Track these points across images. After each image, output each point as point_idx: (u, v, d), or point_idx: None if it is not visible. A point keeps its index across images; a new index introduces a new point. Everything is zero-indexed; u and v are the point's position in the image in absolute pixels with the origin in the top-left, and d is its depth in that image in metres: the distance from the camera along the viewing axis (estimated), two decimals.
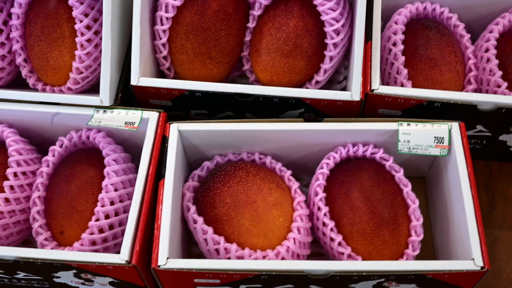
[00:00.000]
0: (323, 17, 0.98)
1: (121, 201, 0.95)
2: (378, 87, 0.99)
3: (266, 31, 1.00)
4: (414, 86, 1.05)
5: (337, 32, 0.99)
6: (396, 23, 1.09)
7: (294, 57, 0.99)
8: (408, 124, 0.96)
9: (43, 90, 1.06)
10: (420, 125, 0.96)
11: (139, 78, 0.99)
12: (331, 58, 1.00)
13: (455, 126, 0.96)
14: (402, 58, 1.05)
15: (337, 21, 0.98)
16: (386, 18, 1.13)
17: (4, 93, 1.00)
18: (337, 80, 1.10)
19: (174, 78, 1.08)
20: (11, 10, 1.03)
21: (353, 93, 0.96)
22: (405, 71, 1.04)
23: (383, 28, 1.11)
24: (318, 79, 1.02)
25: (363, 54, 1.01)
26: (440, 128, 0.96)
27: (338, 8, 0.99)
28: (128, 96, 1.03)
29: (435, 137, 0.95)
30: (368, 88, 0.99)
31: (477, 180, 1.10)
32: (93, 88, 1.07)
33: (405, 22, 1.10)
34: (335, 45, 0.99)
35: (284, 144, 1.00)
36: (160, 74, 1.09)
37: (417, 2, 1.11)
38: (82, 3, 1.00)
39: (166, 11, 1.01)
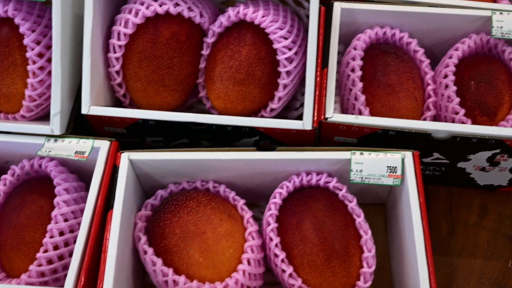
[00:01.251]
0: (275, 45, 0.97)
1: (71, 231, 0.94)
2: (332, 115, 0.98)
3: (219, 59, 0.99)
4: (371, 112, 1.04)
5: (290, 60, 0.98)
6: (354, 48, 1.08)
7: (247, 85, 0.98)
8: (361, 153, 0.95)
9: None
10: (373, 154, 0.95)
11: (89, 107, 0.98)
12: (284, 86, 0.99)
13: (408, 155, 0.95)
14: (359, 85, 1.04)
15: (290, 49, 0.98)
16: (348, 43, 1.12)
17: None
18: (294, 106, 1.09)
19: (130, 104, 1.07)
20: None
21: (305, 123, 0.95)
22: (362, 98, 1.03)
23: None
24: (273, 106, 1.01)
25: (320, 81, 1.00)
26: (393, 157, 0.95)
27: (291, 36, 0.98)
28: (84, 122, 1.02)
29: (388, 166, 0.94)
30: (323, 116, 0.98)
31: (437, 207, 1.10)
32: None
33: (364, 47, 1.09)
34: (288, 73, 0.98)
35: (238, 172, 0.99)
36: (117, 100, 1.08)
37: (376, 27, 1.10)
38: (33, 31, 0.99)
39: (118, 39, 1.00)
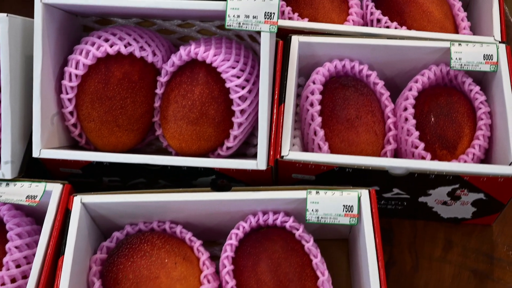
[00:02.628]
0: (228, 84, 0.95)
1: (24, 277, 0.92)
2: (288, 154, 0.97)
3: (172, 98, 0.98)
4: (331, 147, 1.02)
5: (243, 98, 0.97)
6: (313, 82, 1.07)
7: (201, 124, 0.97)
8: (317, 192, 0.94)
9: None
10: (329, 193, 0.93)
11: (40, 150, 0.96)
12: (239, 125, 0.98)
13: (364, 193, 0.93)
14: (318, 119, 1.03)
15: (243, 88, 0.96)
16: (309, 75, 1.11)
17: None
18: (253, 143, 1.07)
19: (86, 143, 1.05)
20: None
21: (259, 163, 0.94)
22: (321, 133, 1.02)
23: None
24: (228, 145, 1.00)
25: (277, 118, 0.99)
26: (350, 196, 0.93)
27: (244, 74, 0.97)
28: (39, 163, 1.00)
29: (344, 205, 0.93)
30: (279, 154, 0.96)
31: (402, 241, 1.08)
32: None
33: (323, 81, 1.08)
34: (242, 111, 0.97)
35: (195, 212, 0.98)
36: (74, 139, 1.06)
37: (336, 60, 1.09)
38: None
39: (70, 80, 0.98)
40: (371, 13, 1.20)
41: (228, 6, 0.92)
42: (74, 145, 1.07)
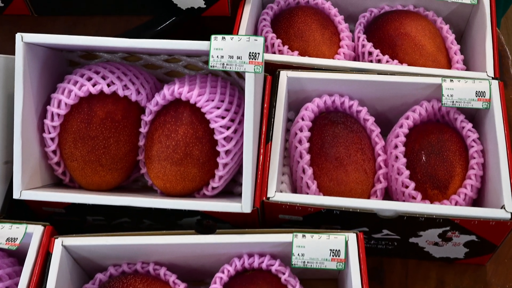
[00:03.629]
0: (212, 125, 0.93)
1: None
2: (274, 195, 0.95)
3: (156, 138, 0.96)
4: (319, 186, 1.00)
5: (228, 139, 0.95)
6: (302, 119, 1.05)
7: (185, 165, 0.95)
8: (303, 236, 0.91)
9: None
10: (315, 237, 0.91)
11: (21, 191, 0.94)
12: (225, 165, 0.96)
13: (352, 237, 0.91)
14: (307, 157, 1.01)
15: (228, 128, 0.94)
16: (298, 110, 1.09)
17: None
18: (239, 181, 1.05)
19: (70, 181, 1.03)
20: None
21: (243, 206, 0.91)
22: (310, 171, 1.00)
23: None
24: (214, 185, 0.98)
25: (263, 157, 0.97)
26: (337, 239, 0.91)
27: (229, 114, 0.95)
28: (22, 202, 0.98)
29: (331, 249, 0.90)
30: (265, 196, 0.94)
31: (393, 281, 1.06)
32: None
33: (312, 117, 1.06)
34: (227, 152, 0.95)
35: (179, 255, 0.95)
36: (57, 177, 1.04)
37: (325, 95, 1.07)
38: None
39: (52, 120, 0.97)
40: (363, 46, 1.18)
41: (211, 46, 0.90)
42: (58, 182, 1.05)
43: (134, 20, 1.20)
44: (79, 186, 1.03)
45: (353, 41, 1.20)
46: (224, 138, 0.94)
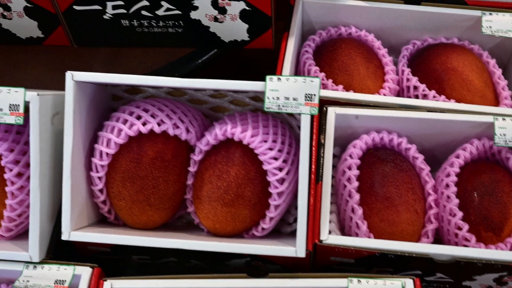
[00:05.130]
0: (265, 167, 0.91)
1: None
2: (327, 238, 0.93)
3: (206, 178, 0.94)
4: (370, 227, 0.98)
5: (281, 181, 0.93)
6: (350, 156, 1.03)
7: (236, 206, 0.93)
8: (359, 281, 0.89)
9: None
10: (371, 282, 0.89)
11: (70, 232, 0.92)
12: (276, 207, 0.94)
13: (409, 283, 0.89)
14: (356, 197, 0.99)
15: (281, 170, 0.92)
16: (343, 145, 1.08)
17: None
18: (288, 221, 1.03)
19: (115, 219, 1.01)
20: None
21: (298, 250, 0.89)
22: (360, 211, 0.98)
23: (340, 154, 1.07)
24: (264, 226, 0.96)
25: (314, 198, 0.95)
26: (393, 285, 0.89)
27: (282, 155, 0.93)
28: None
29: None
30: (317, 238, 0.92)
31: None
32: None
33: (361, 155, 1.04)
34: (280, 194, 0.93)
35: None
36: (102, 215, 1.02)
37: (373, 132, 1.05)
38: (12, 151, 0.95)
39: (101, 159, 0.95)
40: (408, 80, 1.16)
41: (267, 87, 0.89)
42: (102, 219, 1.03)
43: (176, 51, 1.18)
44: (124, 224, 1.01)
45: (397, 74, 1.18)
46: (277, 180, 0.92)
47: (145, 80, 0.92)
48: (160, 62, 1.18)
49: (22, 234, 1.01)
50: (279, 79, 0.89)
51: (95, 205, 1.00)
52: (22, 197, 0.96)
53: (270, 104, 0.89)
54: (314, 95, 0.89)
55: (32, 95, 0.91)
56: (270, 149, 0.92)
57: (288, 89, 0.89)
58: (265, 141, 0.92)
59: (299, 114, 0.89)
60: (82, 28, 1.15)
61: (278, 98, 0.89)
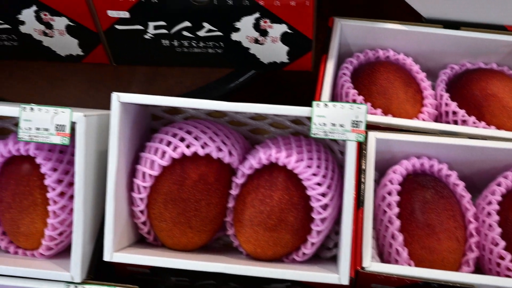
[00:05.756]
0: (309, 192, 0.91)
1: None
2: (370, 265, 0.92)
3: (249, 202, 0.94)
4: (410, 254, 0.98)
5: (324, 206, 0.92)
6: (391, 182, 1.03)
7: (278, 231, 0.93)
8: None
9: (15, 253, 1.01)
10: None
11: (112, 253, 0.92)
12: (319, 232, 0.93)
13: None
14: (397, 223, 0.98)
15: (324, 195, 0.92)
16: (381, 170, 1.07)
17: None
18: (327, 246, 1.02)
19: (154, 240, 1.01)
20: None
21: (341, 277, 0.89)
22: (400, 238, 0.97)
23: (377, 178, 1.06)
24: (305, 251, 0.95)
25: (355, 224, 0.94)
26: None
27: (326, 181, 0.93)
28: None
29: None
30: (359, 264, 0.92)
31: None
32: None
33: (401, 180, 1.03)
34: (322, 220, 0.93)
35: None
36: (140, 235, 1.02)
37: (413, 158, 1.05)
38: (55, 170, 0.95)
39: (144, 180, 0.95)
40: (446, 104, 1.16)
41: (314, 113, 0.89)
42: (140, 240, 1.03)
43: (214, 71, 1.19)
44: (162, 245, 1.01)
45: (435, 98, 1.18)
46: (321, 206, 0.92)
47: (194, 103, 0.92)
48: (198, 82, 1.18)
49: (61, 253, 1.02)
50: (325, 105, 0.89)
51: (134, 225, 1.00)
52: (64, 216, 0.96)
53: (316, 130, 0.89)
54: (361, 121, 0.88)
55: (78, 116, 0.91)
56: (315, 174, 0.92)
57: (334, 115, 0.89)
58: (310, 167, 0.92)
59: (345, 140, 0.89)
60: (122, 47, 1.15)
61: (325, 124, 0.89)
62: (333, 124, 0.89)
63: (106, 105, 1.14)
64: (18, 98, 1.18)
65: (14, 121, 1.09)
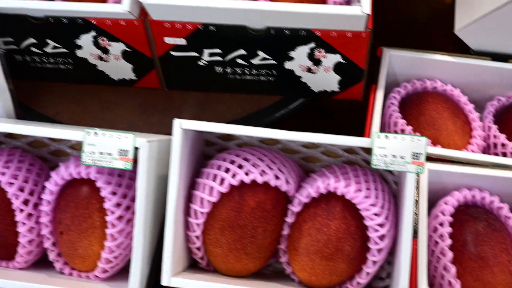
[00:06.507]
0: (368, 222, 0.92)
1: None
2: None
3: (305, 230, 0.95)
4: (463, 286, 0.98)
5: (381, 237, 0.93)
6: (443, 213, 1.03)
7: (335, 260, 0.93)
8: None
9: (70, 275, 1.02)
10: None
11: (170, 278, 0.93)
12: (374, 262, 0.94)
13: None
14: (450, 255, 0.99)
15: (382, 226, 0.93)
16: (430, 200, 1.08)
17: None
18: (380, 275, 1.03)
19: (207, 265, 1.02)
20: (42, 196, 1.00)
21: None
22: (453, 269, 0.98)
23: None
24: (360, 281, 0.96)
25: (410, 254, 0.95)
26: None
27: (383, 211, 0.93)
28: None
29: None
30: None
31: None
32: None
33: (452, 212, 1.04)
34: (379, 250, 0.93)
35: None
36: (193, 260, 1.03)
37: (464, 189, 1.06)
38: (115, 194, 0.97)
39: (202, 206, 0.96)
40: (495, 136, 1.16)
41: (374, 144, 0.90)
42: (193, 264, 1.04)
43: (263, 98, 1.20)
44: (214, 270, 1.02)
45: (483, 130, 1.19)
46: (378, 236, 0.93)
47: (257, 132, 0.93)
48: (248, 108, 1.20)
49: (115, 275, 1.03)
50: (386, 136, 0.90)
51: (188, 249, 1.01)
52: (121, 239, 0.97)
53: (377, 161, 0.90)
54: (421, 154, 0.89)
55: (142, 142, 0.93)
56: (373, 205, 0.93)
57: (395, 147, 0.90)
58: (368, 197, 0.93)
59: (406, 172, 0.90)
60: (175, 73, 1.17)
61: (385, 155, 0.90)
62: (394, 156, 0.90)
63: (158, 129, 1.17)
64: (71, 120, 1.20)
65: (70, 144, 1.11)
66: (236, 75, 1.15)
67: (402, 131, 1.15)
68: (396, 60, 1.23)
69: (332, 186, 0.94)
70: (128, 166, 0.92)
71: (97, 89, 1.23)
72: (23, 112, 1.19)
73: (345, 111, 1.35)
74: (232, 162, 0.98)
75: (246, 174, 0.96)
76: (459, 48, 1.24)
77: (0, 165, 1.00)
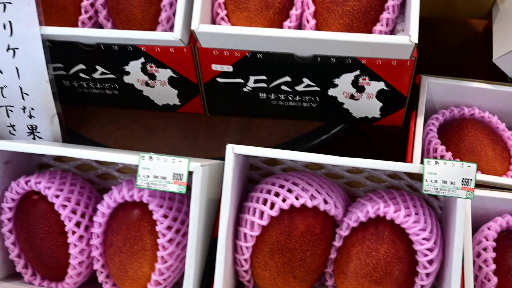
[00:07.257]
0: (417, 247, 0.93)
1: None
2: None
3: (354, 254, 0.96)
4: None
5: (430, 262, 0.94)
6: (486, 238, 1.04)
7: (383, 284, 0.95)
8: None
9: None
10: None
11: None
12: (422, 286, 0.95)
13: None
14: (495, 279, 1.00)
15: (431, 250, 0.94)
16: (474, 226, 1.09)
17: None
18: None
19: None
20: (93, 219, 1.02)
21: None
22: None
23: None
24: None
25: None
26: None
27: (432, 236, 0.95)
28: None
29: None
30: None
31: None
32: None
33: (496, 237, 1.05)
34: (428, 274, 0.95)
35: None
36: (240, 282, 1.05)
37: (507, 215, 1.07)
38: (166, 217, 0.99)
39: (252, 229, 0.98)
40: None
41: (425, 170, 0.92)
42: (238, 287, 1.05)
43: (305, 124, 1.23)
44: None
45: None
46: (427, 261, 0.94)
47: (307, 157, 0.95)
48: (290, 133, 1.22)
49: None
50: (436, 162, 0.92)
51: (235, 272, 1.03)
52: (171, 262, 0.99)
53: (428, 187, 0.91)
54: (471, 179, 0.91)
55: (195, 166, 0.95)
56: (422, 230, 0.94)
57: (445, 173, 0.91)
58: (417, 222, 0.95)
59: (456, 197, 0.91)
60: (219, 98, 1.20)
61: (436, 181, 0.91)
62: (444, 182, 0.91)
63: (202, 154, 1.19)
64: (116, 144, 1.23)
65: (117, 167, 1.13)
66: (279, 101, 1.18)
67: (442, 157, 1.17)
68: (434, 88, 1.25)
69: (381, 211, 0.95)
70: (182, 189, 0.94)
71: (141, 113, 1.25)
72: (68, 136, 1.22)
73: (381, 136, 1.37)
74: (282, 187, 1.00)
75: (296, 198, 0.97)
76: (492, 75, 1.26)
77: (54, 188, 1.02)
